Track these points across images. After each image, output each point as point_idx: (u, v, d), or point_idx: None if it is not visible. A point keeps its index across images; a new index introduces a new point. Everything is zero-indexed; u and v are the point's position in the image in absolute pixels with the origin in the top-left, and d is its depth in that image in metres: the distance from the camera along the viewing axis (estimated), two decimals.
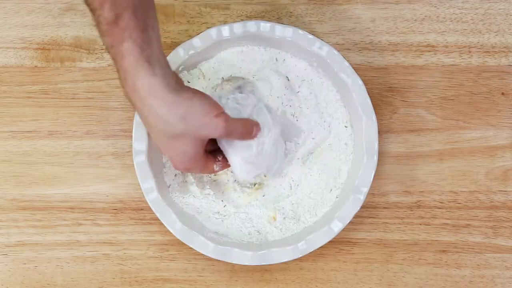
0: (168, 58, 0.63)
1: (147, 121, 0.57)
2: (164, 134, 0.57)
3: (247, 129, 0.62)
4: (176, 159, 0.60)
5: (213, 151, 0.65)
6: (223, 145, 0.63)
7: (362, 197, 0.67)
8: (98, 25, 0.54)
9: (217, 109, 0.59)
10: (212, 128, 0.58)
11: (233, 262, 0.66)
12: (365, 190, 0.67)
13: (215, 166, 0.64)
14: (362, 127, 0.68)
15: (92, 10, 0.54)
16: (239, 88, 0.68)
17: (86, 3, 0.54)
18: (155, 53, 0.55)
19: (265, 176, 0.68)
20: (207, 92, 0.67)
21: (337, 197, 0.69)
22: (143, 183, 0.67)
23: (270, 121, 0.64)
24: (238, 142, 0.62)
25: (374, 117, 0.67)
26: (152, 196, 0.67)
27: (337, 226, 0.66)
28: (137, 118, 0.67)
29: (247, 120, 0.63)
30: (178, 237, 0.66)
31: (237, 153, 0.63)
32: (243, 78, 0.70)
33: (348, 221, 0.66)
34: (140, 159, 0.67)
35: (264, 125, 0.63)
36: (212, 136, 0.60)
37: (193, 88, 0.59)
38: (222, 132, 0.59)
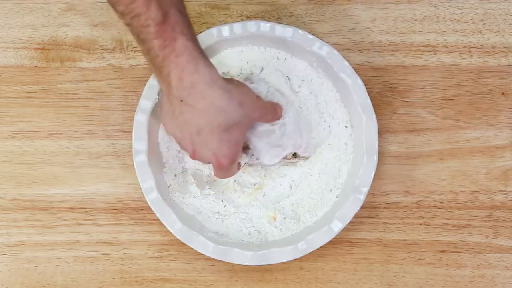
0: None
1: (201, 117, 0.56)
2: (220, 127, 0.57)
3: (277, 109, 0.65)
4: (226, 153, 0.59)
5: None
6: (247, 135, 0.64)
7: (362, 197, 0.67)
8: (144, 29, 0.54)
9: (255, 93, 0.62)
10: (262, 110, 0.62)
11: (233, 262, 0.66)
12: (365, 190, 0.67)
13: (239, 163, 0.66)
14: (362, 127, 0.68)
15: (136, 16, 0.53)
16: (249, 80, 0.69)
17: (126, 13, 0.54)
18: (201, 46, 0.57)
19: (296, 156, 0.69)
20: None
21: (337, 197, 0.69)
22: (143, 183, 0.67)
23: (284, 103, 0.67)
24: (261, 129, 0.65)
25: (374, 117, 0.67)
26: (152, 196, 0.67)
27: (337, 226, 0.66)
28: (137, 117, 0.67)
29: (274, 102, 0.66)
30: (178, 237, 0.66)
31: (261, 139, 0.65)
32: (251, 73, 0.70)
33: (348, 221, 0.66)
34: (140, 159, 0.67)
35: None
36: (258, 120, 0.63)
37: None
38: (267, 113, 0.63)
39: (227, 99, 0.56)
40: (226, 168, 0.60)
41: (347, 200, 0.66)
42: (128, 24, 0.55)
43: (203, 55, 0.56)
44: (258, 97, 0.62)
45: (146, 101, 0.67)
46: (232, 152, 0.59)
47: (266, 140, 0.65)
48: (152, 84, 0.68)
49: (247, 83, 0.67)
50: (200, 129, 0.57)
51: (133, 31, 0.55)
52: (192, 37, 0.56)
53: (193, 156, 0.60)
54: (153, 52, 0.55)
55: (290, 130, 0.66)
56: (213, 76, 0.56)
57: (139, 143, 0.67)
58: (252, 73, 0.70)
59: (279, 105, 0.66)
